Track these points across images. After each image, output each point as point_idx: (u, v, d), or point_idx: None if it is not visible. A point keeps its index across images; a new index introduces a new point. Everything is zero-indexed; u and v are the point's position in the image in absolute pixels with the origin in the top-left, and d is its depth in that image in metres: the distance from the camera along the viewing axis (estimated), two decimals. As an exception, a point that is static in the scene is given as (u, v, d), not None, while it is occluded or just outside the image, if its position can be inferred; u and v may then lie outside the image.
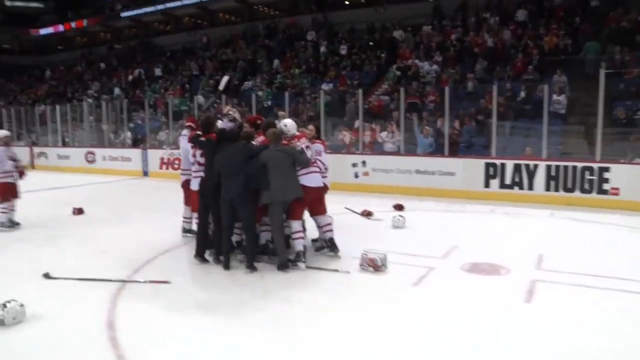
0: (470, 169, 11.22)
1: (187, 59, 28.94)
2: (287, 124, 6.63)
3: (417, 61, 19.46)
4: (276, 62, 24.30)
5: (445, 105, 11.73)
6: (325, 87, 19.60)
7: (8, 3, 48.74)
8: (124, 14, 37.55)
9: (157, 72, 28.33)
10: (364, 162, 12.18)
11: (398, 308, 4.91)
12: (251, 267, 6.05)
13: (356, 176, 12.21)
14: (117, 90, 27.61)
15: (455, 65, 18.87)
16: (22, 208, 10.73)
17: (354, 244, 7.18)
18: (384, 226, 8.45)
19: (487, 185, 11.08)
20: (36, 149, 19.89)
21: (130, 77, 29.34)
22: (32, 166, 19.78)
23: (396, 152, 12.42)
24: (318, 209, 6.79)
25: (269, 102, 19.83)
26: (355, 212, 9.38)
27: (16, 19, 46.65)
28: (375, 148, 12.97)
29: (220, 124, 7.02)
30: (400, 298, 5.17)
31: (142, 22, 37.37)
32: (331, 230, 6.80)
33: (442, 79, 18.02)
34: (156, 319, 4.66)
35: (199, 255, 6.42)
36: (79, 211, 9.63)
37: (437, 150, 12.13)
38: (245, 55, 26.15)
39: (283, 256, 6.10)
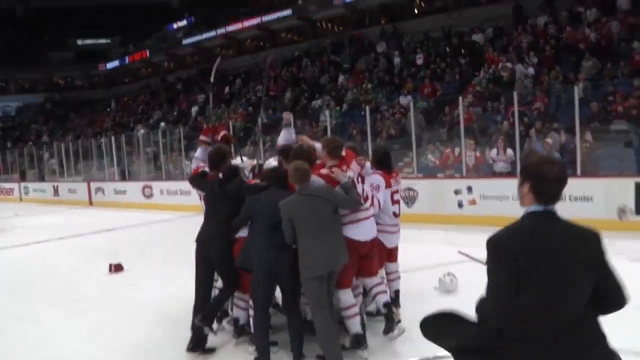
0: (614, 191, 8.53)
1: (251, 82, 27.51)
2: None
3: (508, 64, 16.87)
4: (341, 77, 22.29)
5: (575, 109, 9.10)
6: (403, 100, 17.38)
7: (79, 42, 49.83)
8: (186, 41, 36.95)
9: (217, 96, 27.01)
10: (469, 188, 9.68)
11: None
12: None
13: (460, 205, 9.73)
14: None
15: (554, 66, 16.23)
16: (60, 259, 9.12)
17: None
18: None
19: (640, 212, 8.37)
20: (93, 184, 18.55)
21: (189, 104, 28.18)
22: (90, 202, 18.50)
23: (510, 174, 9.86)
24: (365, 268, 4.61)
25: (333, 122, 17.73)
26: (476, 260, 6.91)
27: (86, 56, 47.53)
28: (483, 170, 10.44)
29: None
30: None
31: (204, 47, 36.54)
32: (385, 292, 4.72)
33: (542, 80, 15.41)
34: None
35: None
36: (116, 268, 7.66)
37: (563, 169, 9.50)
38: (312, 73, 24.28)
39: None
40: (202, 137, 5.35)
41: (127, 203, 16.76)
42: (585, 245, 2.11)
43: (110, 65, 44.32)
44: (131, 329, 5.26)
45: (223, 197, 4.51)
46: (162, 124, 25.35)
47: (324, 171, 4.39)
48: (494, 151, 10.19)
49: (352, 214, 4.34)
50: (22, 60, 45.47)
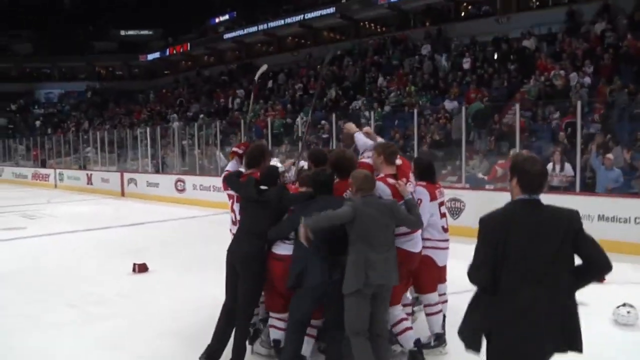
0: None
1: (290, 79, 27.05)
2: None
3: (562, 72, 15.96)
4: (380, 79, 21.63)
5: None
6: (449, 105, 16.66)
7: (122, 33, 50.32)
8: (227, 36, 36.78)
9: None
10: (521, 203, 8.91)
11: None
12: None
13: (510, 221, 8.98)
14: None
15: (613, 76, 15.25)
16: (83, 254, 8.73)
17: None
18: (597, 319, 5.18)
19: None
20: (126, 175, 18.32)
21: (228, 99, 27.89)
22: (122, 193, 18.28)
23: (567, 190, 9.08)
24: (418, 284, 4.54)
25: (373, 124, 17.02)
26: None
27: (128, 47, 47.95)
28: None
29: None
30: None
31: (245, 43, 36.32)
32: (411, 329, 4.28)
33: (601, 91, 14.46)
34: None
35: None
36: (140, 268, 7.17)
37: (625, 187, 8.69)
38: (353, 73, 23.64)
39: None
40: (235, 149, 4.85)
41: (159, 196, 16.45)
42: (565, 222, 2.50)
43: (151, 56, 44.52)
44: (147, 342, 4.77)
45: (261, 204, 3.99)
46: (202, 116, 25.10)
47: (391, 181, 4.06)
48: (549, 166, 9.37)
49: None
50: (66, 49, 46.13)
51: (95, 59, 48.24)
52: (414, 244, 4.15)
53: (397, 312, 4.12)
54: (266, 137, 15.53)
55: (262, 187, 4.06)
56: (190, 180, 15.77)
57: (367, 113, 17.77)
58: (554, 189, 9.21)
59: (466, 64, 20.08)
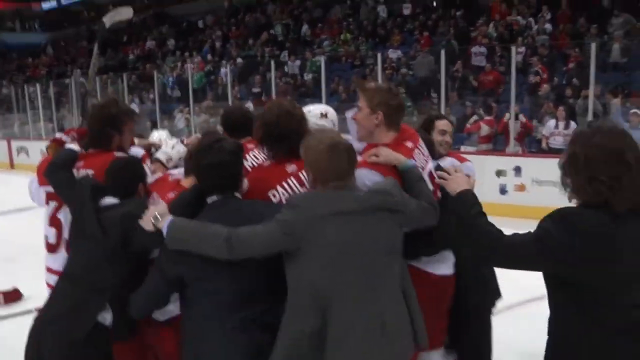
0: None
1: (209, 28, 24.33)
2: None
3: (519, 17, 14.60)
4: (305, 27, 19.94)
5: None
6: (393, 54, 14.97)
7: (11, -23, 44.97)
8: (134, -19, 33.03)
9: (172, 44, 23.78)
10: (517, 169, 7.30)
11: None
12: None
13: (503, 192, 7.36)
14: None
15: (574, 23, 14.06)
16: None
17: None
18: None
19: None
20: (15, 143, 15.30)
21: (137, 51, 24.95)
22: (12, 165, 15.28)
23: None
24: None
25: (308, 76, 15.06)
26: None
27: (19, -5, 42.96)
28: (533, 145, 8.06)
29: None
30: None
31: (155, -11, 32.86)
32: None
33: (562, 38, 13.25)
34: None
35: None
36: (8, 298, 4.72)
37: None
38: (280, 20, 21.36)
39: None
40: (59, 135, 3.04)
41: (56, 167, 13.70)
42: None
43: (46, 5, 39.94)
44: None
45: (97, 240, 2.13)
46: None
47: (372, 158, 2.21)
48: (551, 122, 7.75)
49: None
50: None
51: (-19, 8, 42.89)
52: (443, 260, 2.46)
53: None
54: (186, 93, 13.27)
55: (109, 201, 2.21)
56: (94, 147, 13.13)
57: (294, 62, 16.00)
58: (555, 154, 7.60)
59: (406, 9, 18.45)
